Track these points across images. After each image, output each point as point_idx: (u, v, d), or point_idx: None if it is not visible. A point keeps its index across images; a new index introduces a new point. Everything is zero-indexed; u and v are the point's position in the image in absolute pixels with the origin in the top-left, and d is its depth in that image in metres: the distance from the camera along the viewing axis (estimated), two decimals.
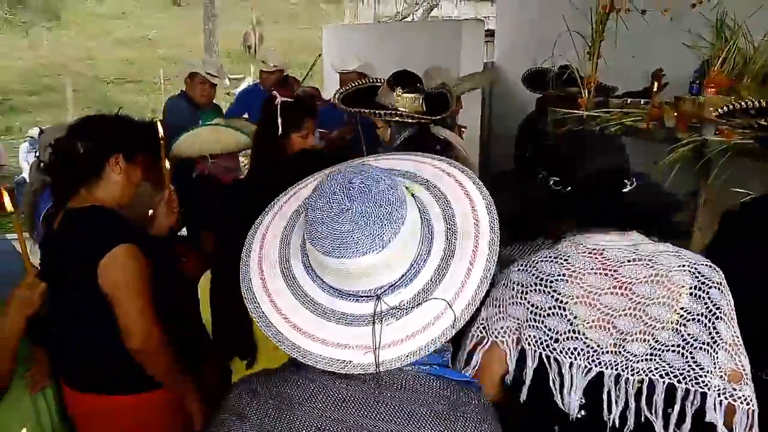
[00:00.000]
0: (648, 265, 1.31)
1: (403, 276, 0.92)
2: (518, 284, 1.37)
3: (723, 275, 1.32)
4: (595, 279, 1.31)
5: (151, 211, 2.14)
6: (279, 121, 2.70)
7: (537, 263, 1.37)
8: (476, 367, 1.40)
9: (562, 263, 1.35)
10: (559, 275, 1.33)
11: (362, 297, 0.93)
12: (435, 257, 0.94)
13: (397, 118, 2.79)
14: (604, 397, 1.30)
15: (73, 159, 1.84)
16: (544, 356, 1.33)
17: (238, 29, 21.19)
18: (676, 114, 2.79)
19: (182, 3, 25.15)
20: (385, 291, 0.92)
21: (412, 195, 0.98)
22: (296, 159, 2.25)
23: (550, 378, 1.33)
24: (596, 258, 1.33)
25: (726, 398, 1.25)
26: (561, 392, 1.33)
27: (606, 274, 1.31)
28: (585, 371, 1.31)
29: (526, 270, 1.38)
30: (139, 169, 1.96)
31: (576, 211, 1.39)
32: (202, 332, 1.76)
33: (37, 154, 2.67)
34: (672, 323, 1.27)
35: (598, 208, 1.36)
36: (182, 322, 1.91)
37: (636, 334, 1.28)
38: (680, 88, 3.30)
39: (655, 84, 3.16)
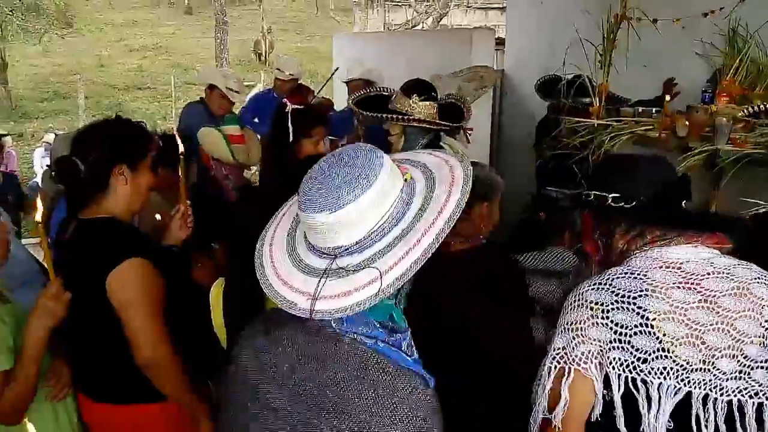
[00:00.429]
0: (728, 277, 1.26)
1: (358, 242, 1.03)
2: (597, 303, 1.28)
3: None
4: (679, 293, 1.25)
5: (158, 216, 2.12)
6: (290, 127, 2.72)
7: (613, 280, 1.30)
8: (566, 405, 1.29)
9: (641, 278, 1.28)
10: (641, 291, 1.26)
11: (324, 254, 1.06)
12: (392, 235, 1.04)
13: (416, 124, 2.80)
14: (693, 420, 1.23)
15: (76, 178, 1.81)
16: (629, 379, 1.25)
17: (248, 37, 21.36)
18: (688, 123, 2.78)
19: (194, 11, 25.39)
20: (341, 253, 1.04)
21: (405, 180, 1.08)
22: (302, 166, 2.27)
23: (640, 402, 1.24)
24: (676, 272, 1.28)
25: None
26: (649, 417, 1.25)
27: (690, 288, 1.26)
28: (674, 391, 1.23)
29: (603, 288, 1.29)
30: (147, 174, 1.92)
31: (659, 220, 1.36)
32: (214, 340, 1.76)
33: (49, 163, 2.70)
34: (759, 337, 1.23)
35: (677, 214, 1.36)
36: (194, 332, 1.90)
37: (725, 349, 1.23)
38: (692, 98, 3.29)
39: (667, 93, 3.16)
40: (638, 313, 1.25)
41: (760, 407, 1.22)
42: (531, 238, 2.85)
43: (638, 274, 1.29)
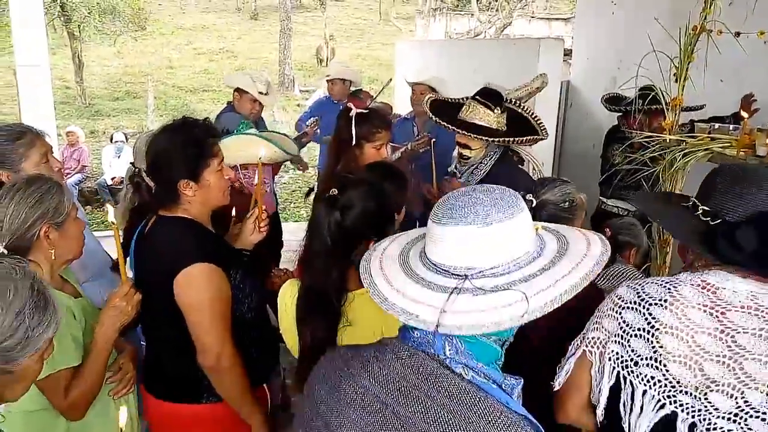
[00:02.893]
0: (762, 318, 1.18)
1: (493, 268, 1.01)
2: (619, 298, 1.34)
3: None
4: (696, 314, 1.23)
5: (234, 212, 2.08)
6: (353, 131, 2.73)
7: (646, 284, 1.33)
8: (567, 374, 1.41)
9: (668, 289, 1.28)
10: (660, 300, 1.27)
11: (453, 275, 1.03)
12: (531, 269, 1.03)
13: (503, 141, 2.79)
14: None
15: (148, 192, 1.88)
16: (621, 376, 1.30)
17: (311, 43, 21.73)
18: None
19: (260, 17, 26.04)
20: (473, 275, 1.01)
21: (536, 230, 1.09)
22: (373, 169, 2.27)
23: (621, 399, 1.30)
24: (707, 294, 1.24)
25: None
26: (629, 419, 1.28)
27: (710, 314, 1.22)
28: (657, 405, 1.24)
29: (633, 288, 1.34)
30: (214, 176, 1.88)
31: (721, 247, 1.26)
32: (275, 343, 1.75)
33: (131, 161, 2.78)
34: (767, 387, 1.14)
35: (748, 248, 1.22)
36: (257, 335, 1.90)
37: (723, 386, 1.17)
38: None
39: (745, 109, 3.01)
40: (646, 319, 1.28)
41: None
42: None
43: (669, 285, 1.30)
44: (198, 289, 1.75)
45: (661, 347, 1.24)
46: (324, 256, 1.52)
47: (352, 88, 5.23)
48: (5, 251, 1.64)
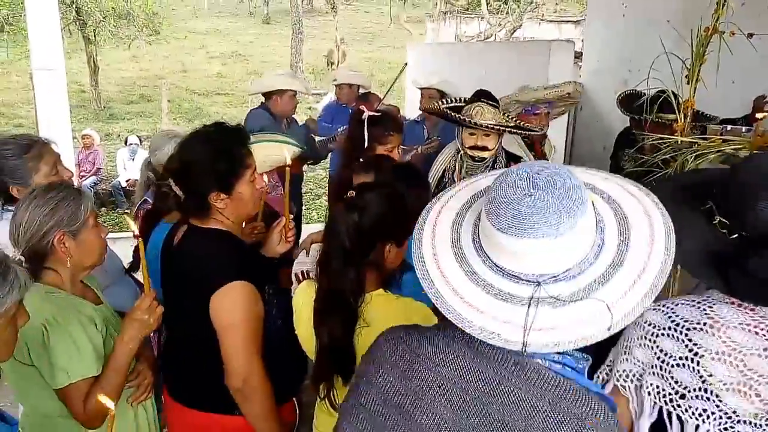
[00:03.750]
0: None
1: (567, 271, 0.94)
2: (650, 325, 1.22)
3: None
4: (741, 336, 1.13)
5: (244, 224, 2.04)
6: (365, 134, 2.75)
7: (677, 305, 1.22)
8: None
9: (704, 310, 1.18)
10: (698, 323, 1.17)
11: (523, 281, 0.95)
12: (601, 264, 0.96)
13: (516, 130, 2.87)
14: None
15: (177, 201, 1.84)
16: (665, 411, 1.19)
17: (322, 47, 21.82)
18: None
19: (272, 21, 26.20)
20: (546, 280, 0.94)
21: (592, 203, 0.99)
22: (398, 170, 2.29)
23: None
24: (746, 312, 1.15)
25: None
26: None
27: (756, 333, 1.13)
28: None
29: (663, 311, 1.22)
30: (247, 188, 1.81)
31: (733, 279, 1.15)
32: (300, 353, 1.75)
33: (147, 156, 2.82)
34: None
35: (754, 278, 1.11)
36: (290, 348, 1.87)
37: None
38: None
39: (758, 111, 3.00)
40: (687, 346, 1.17)
41: None
42: None
43: (703, 306, 1.19)
44: (232, 310, 1.70)
45: (711, 376, 1.14)
46: (342, 257, 1.53)
47: (361, 91, 5.25)
48: (22, 258, 1.68)
